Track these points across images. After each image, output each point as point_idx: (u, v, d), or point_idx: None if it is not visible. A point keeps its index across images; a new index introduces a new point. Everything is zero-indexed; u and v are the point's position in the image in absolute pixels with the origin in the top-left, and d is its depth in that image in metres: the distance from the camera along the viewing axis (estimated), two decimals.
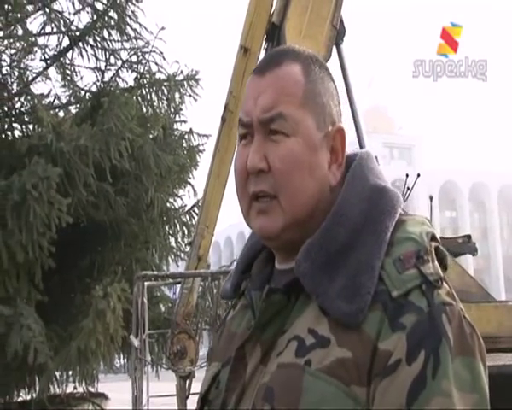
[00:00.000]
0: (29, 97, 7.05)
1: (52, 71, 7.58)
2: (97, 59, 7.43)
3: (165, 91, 7.42)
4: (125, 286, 5.44)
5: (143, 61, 7.48)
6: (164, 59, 7.53)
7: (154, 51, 7.45)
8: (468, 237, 4.74)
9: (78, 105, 7.52)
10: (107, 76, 7.50)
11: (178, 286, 4.98)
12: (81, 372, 5.78)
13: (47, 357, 5.26)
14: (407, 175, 4.46)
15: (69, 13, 7.37)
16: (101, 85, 7.45)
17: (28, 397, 6.51)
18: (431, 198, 5.23)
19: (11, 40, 7.21)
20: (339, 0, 4.60)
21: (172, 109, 7.61)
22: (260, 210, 0.84)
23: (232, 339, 0.89)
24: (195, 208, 7.50)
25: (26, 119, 7.16)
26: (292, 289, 0.82)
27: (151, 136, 7.13)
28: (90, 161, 6.03)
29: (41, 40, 7.39)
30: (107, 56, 7.44)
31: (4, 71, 7.13)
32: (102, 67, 7.47)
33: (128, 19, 7.36)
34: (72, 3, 7.28)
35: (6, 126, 6.99)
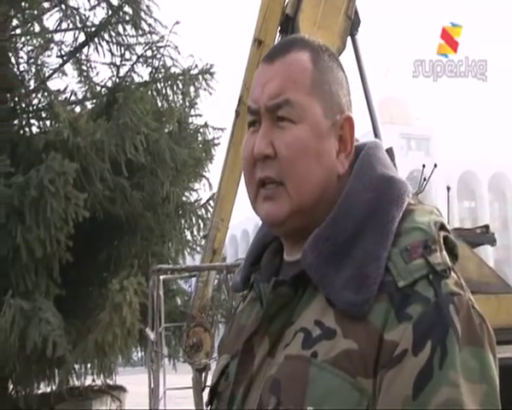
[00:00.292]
0: (46, 94, 7.14)
1: (68, 67, 7.68)
2: (113, 54, 7.49)
3: (180, 85, 7.44)
4: (142, 280, 5.49)
5: (158, 56, 7.51)
6: (179, 53, 7.58)
7: (169, 46, 7.50)
8: (487, 227, 4.67)
9: (94, 100, 7.58)
10: (123, 71, 7.57)
11: (194, 279, 4.99)
12: (99, 365, 5.86)
13: (65, 350, 5.34)
14: (424, 166, 4.41)
15: (85, 9, 7.45)
16: (117, 80, 7.50)
17: (48, 389, 6.61)
18: (448, 188, 5.15)
19: (28, 37, 7.29)
20: None
21: (187, 103, 7.62)
22: (267, 196, 0.83)
23: (241, 332, 0.89)
24: (211, 202, 7.50)
25: (43, 115, 7.25)
26: (299, 280, 0.81)
27: (166, 130, 7.16)
28: (106, 155, 6.09)
29: (57, 36, 7.49)
30: (123, 51, 7.50)
31: (22, 68, 7.23)
32: (118, 63, 7.53)
33: (143, 13, 7.40)
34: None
35: (24, 123, 7.09)
